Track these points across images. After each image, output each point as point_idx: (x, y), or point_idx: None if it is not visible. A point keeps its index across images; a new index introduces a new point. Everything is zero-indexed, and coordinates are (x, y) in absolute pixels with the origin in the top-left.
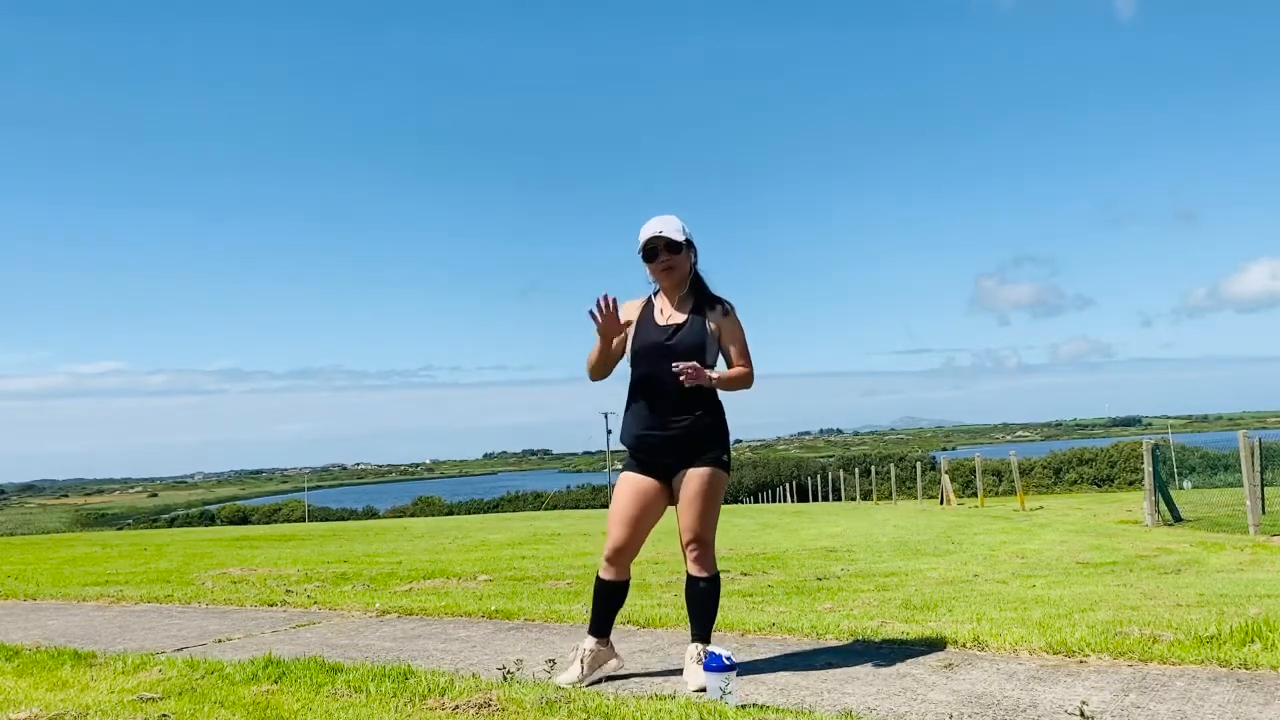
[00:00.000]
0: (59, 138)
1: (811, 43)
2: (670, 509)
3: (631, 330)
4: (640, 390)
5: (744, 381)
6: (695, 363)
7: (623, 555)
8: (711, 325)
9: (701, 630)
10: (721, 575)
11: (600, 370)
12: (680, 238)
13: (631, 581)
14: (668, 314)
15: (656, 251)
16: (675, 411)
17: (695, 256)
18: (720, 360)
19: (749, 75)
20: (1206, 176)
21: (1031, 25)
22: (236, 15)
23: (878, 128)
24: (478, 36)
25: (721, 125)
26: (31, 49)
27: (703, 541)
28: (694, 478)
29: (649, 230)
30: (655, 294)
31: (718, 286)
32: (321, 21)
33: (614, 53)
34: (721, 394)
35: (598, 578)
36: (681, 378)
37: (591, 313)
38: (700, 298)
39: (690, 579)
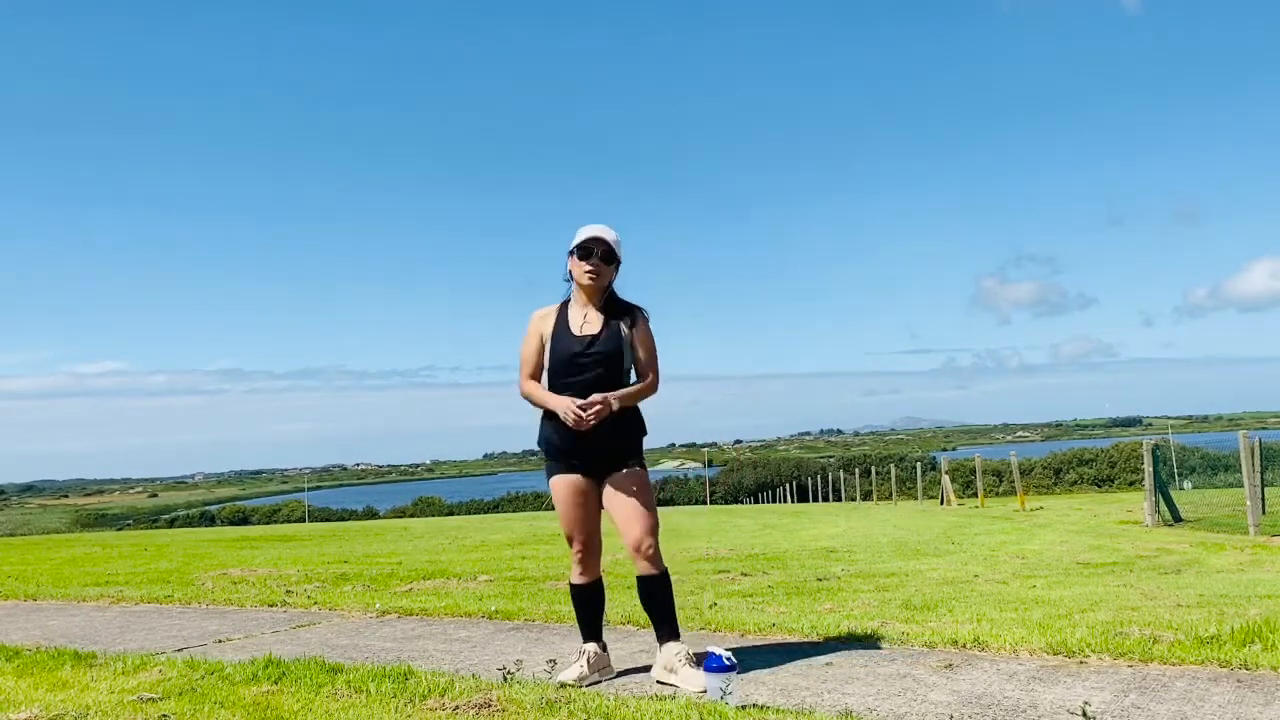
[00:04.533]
0: (59, 138)
1: (811, 40)
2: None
3: (548, 340)
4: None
5: (649, 391)
6: (597, 398)
7: (592, 555)
8: (625, 332)
9: (671, 627)
10: (722, 576)
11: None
12: (617, 250)
13: (631, 582)
14: (583, 322)
15: (591, 252)
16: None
17: (616, 275)
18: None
19: (748, 73)
20: (1209, 176)
21: (1033, 22)
22: (237, 15)
23: (877, 126)
24: (477, 35)
25: (720, 123)
26: (31, 49)
27: (654, 536)
28: (627, 480)
29: (592, 230)
30: (569, 299)
31: (715, 284)
32: (321, 22)
33: (613, 49)
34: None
35: (572, 585)
36: (591, 421)
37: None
38: (614, 307)
39: (645, 580)
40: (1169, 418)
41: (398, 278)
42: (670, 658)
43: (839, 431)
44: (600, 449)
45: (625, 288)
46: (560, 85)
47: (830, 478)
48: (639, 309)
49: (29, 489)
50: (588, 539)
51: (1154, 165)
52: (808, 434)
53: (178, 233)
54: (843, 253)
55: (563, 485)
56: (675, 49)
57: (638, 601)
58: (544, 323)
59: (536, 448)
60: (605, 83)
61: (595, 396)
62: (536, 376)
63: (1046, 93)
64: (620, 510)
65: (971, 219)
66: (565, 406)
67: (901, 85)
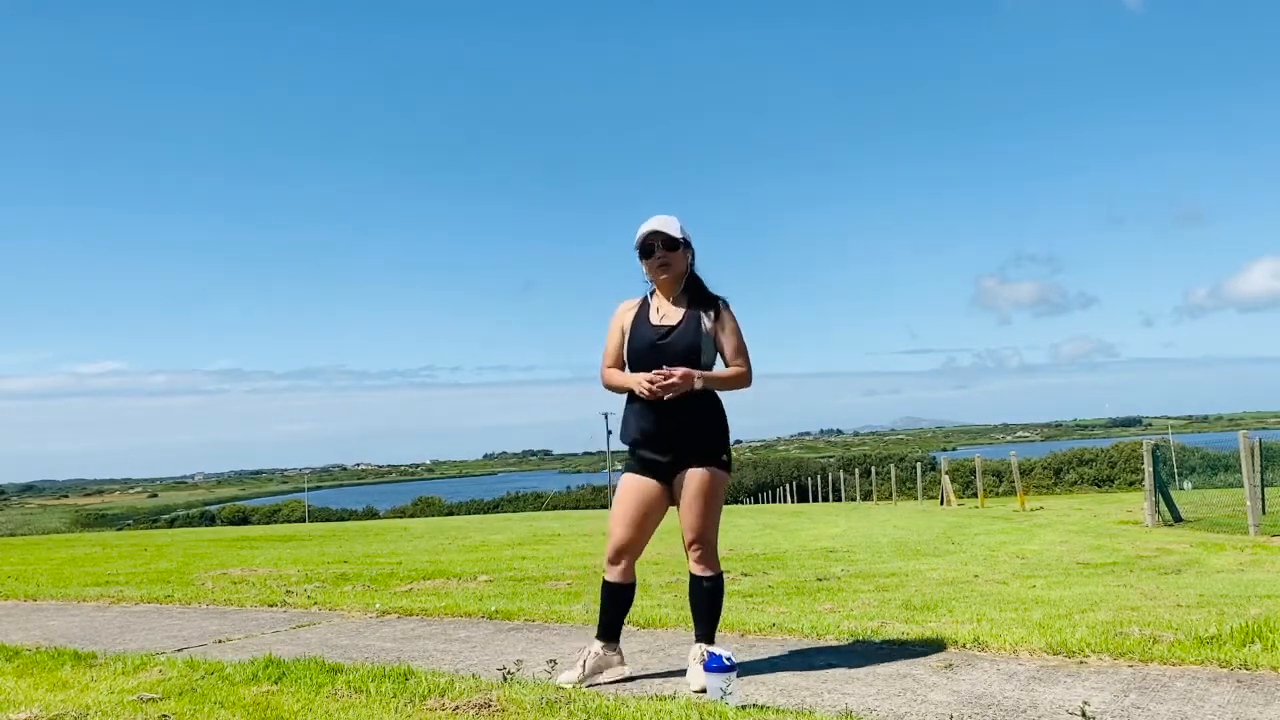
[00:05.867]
0: (59, 138)
1: (810, 40)
2: (671, 510)
3: (627, 330)
4: None
5: (739, 381)
6: (679, 370)
7: (625, 556)
8: (707, 325)
9: (706, 630)
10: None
11: (615, 392)
12: (678, 235)
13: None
14: (663, 313)
15: (653, 249)
16: (674, 410)
17: (692, 257)
18: (718, 360)
19: (747, 73)
20: (1210, 175)
21: (1034, 22)
22: (237, 15)
23: (877, 126)
24: (476, 35)
25: (721, 124)
26: (31, 49)
27: (706, 541)
28: (694, 477)
29: (647, 227)
30: (651, 294)
31: (716, 285)
32: (319, 21)
33: (614, 49)
34: (721, 394)
35: (604, 580)
36: (666, 395)
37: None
38: (696, 297)
39: (694, 579)
40: (1169, 418)
41: (398, 278)
42: (690, 657)
43: (839, 431)
44: (674, 440)
45: (629, 285)
46: (561, 86)
47: (830, 478)
48: (721, 300)
49: (29, 489)
50: (629, 542)
51: (1154, 165)
52: (808, 434)
53: (178, 233)
54: (843, 253)
55: (629, 484)
56: (675, 51)
57: (637, 601)
58: (626, 315)
59: (536, 449)
60: (605, 84)
61: (675, 369)
62: (618, 369)
63: (1046, 93)
64: (682, 509)
65: (971, 219)
66: (640, 378)
67: (902, 85)
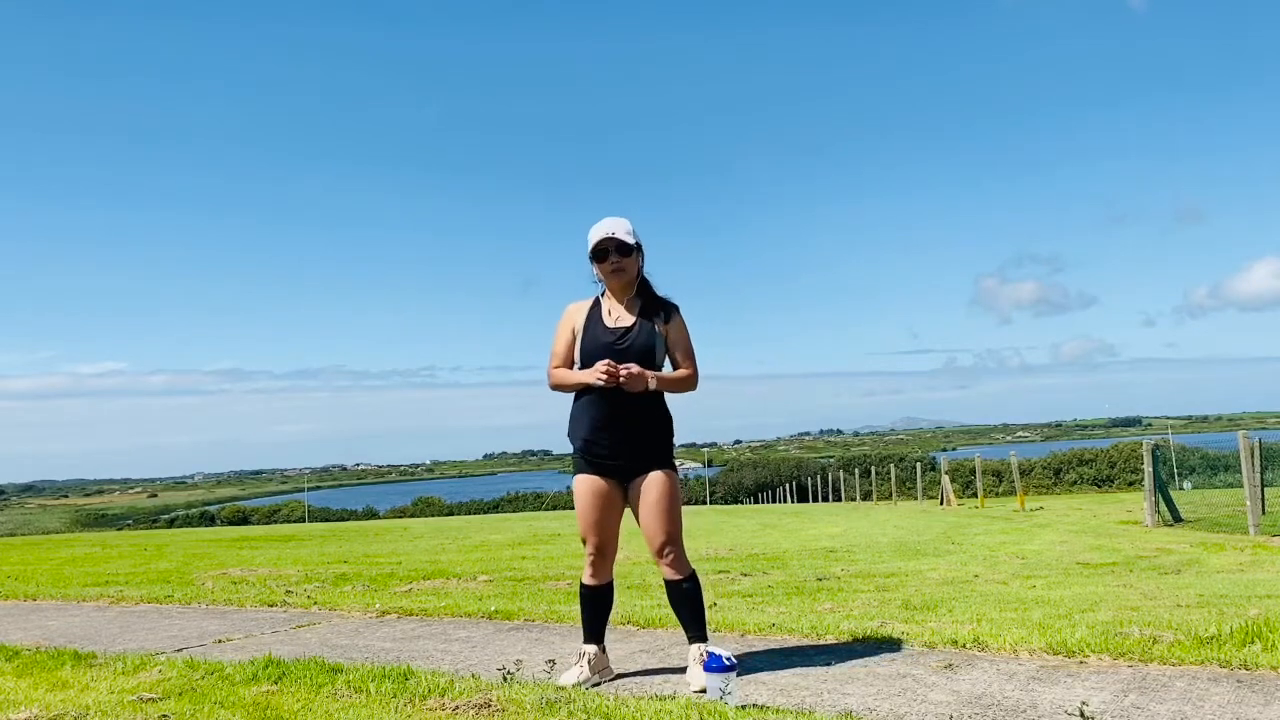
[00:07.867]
0: (59, 138)
1: (810, 40)
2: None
3: (579, 332)
4: (591, 392)
5: (687, 384)
6: (637, 366)
7: (605, 559)
8: (659, 328)
9: (698, 630)
10: (722, 576)
11: (564, 391)
12: (631, 240)
13: (632, 582)
14: (616, 316)
15: (607, 253)
16: (625, 413)
17: (643, 260)
18: (667, 362)
19: (748, 73)
20: (1211, 175)
21: (1034, 21)
22: (237, 14)
23: (878, 125)
24: (475, 34)
25: (721, 123)
26: (32, 48)
27: (676, 543)
28: (654, 482)
29: (600, 231)
30: (602, 295)
31: (715, 284)
32: (319, 22)
33: (614, 47)
34: (673, 396)
35: (583, 585)
36: (623, 381)
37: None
38: (647, 300)
39: (671, 584)
40: (1169, 418)
41: (398, 278)
42: (689, 657)
43: (839, 431)
44: (626, 445)
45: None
46: (560, 86)
47: (830, 478)
48: (671, 304)
49: (29, 489)
50: (602, 543)
51: (1156, 163)
52: (808, 434)
53: (177, 233)
54: (843, 253)
55: (585, 486)
56: (675, 50)
57: (637, 602)
58: (577, 315)
59: (536, 449)
60: (605, 83)
61: (633, 367)
62: (566, 369)
63: (1047, 92)
64: (645, 516)
65: (971, 219)
66: (597, 368)
67: (901, 84)
